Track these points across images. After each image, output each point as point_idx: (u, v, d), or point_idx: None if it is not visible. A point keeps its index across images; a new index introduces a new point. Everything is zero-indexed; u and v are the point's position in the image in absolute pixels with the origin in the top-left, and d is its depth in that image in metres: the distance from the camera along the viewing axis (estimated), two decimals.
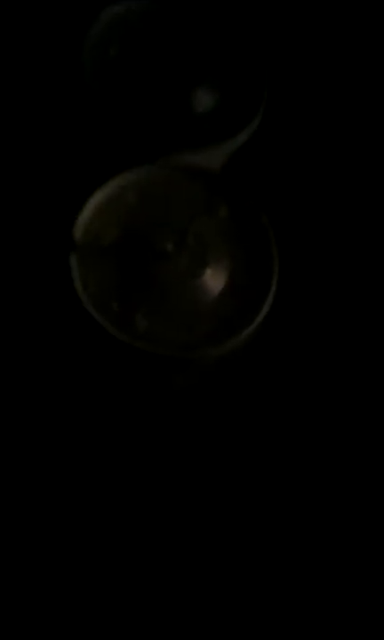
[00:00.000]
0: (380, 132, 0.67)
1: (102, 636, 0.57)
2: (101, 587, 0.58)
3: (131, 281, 0.57)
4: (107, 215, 0.58)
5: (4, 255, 0.62)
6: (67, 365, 0.60)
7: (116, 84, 0.61)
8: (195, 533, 0.59)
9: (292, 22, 0.68)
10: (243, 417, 0.61)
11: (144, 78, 0.61)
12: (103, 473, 0.59)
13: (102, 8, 0.63)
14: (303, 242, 0.64)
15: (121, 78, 0.61)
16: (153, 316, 0.57)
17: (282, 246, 0.59)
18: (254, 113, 0.61)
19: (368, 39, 0.69)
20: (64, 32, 0.64)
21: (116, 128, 0.60)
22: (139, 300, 0.57)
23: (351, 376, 0.62)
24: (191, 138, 0.60)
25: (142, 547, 0.58)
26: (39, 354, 0.60)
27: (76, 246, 0.57)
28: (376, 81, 0.68)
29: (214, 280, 0.58)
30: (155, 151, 0.59)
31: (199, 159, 0.60)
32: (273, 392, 0.62)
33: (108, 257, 0.57)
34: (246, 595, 0.58)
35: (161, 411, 0.61)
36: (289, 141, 0.66)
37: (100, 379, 0.60)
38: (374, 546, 0.60)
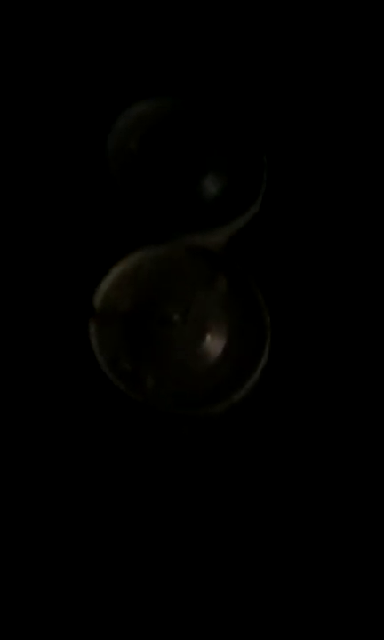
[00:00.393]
0: (369, 210, 0.68)
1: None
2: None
3: (141, 345, 0.60)
4: (122, 287, 0.61)
5: (30, 321, 0.63)
6: (82, 420, 0.61)
7: (134, 173, 0.64)
8: (196, 569, 0.60)
9: (288, 119, 0.70)
10: (241, 468, 0.62)
11: (158, 169, 0.64)
12: (109, 519, 0.61)
13: (126, 106, 0.66)
14: (293, 310, 0.65)
15: (138, 168, 0.64)
16: (160, 376, 0.60)
17: (274, 315, 0.61)
18: (253, 200, 0.65)
19: (362, 128, 0.70)
20: (91, 124, 0.67)
21: (133, 212, 0.63)
22: (148, 362, 0.60)
23: (343, 436, 0.63)
24: (198, 221, 0.64)
25: (141, 584, 0.60)
26: (57, 410, 0.62)
27: (94, 313, 0.60)
28: (366, 166, 0.69)
29: (214, 345, 0.61)
30: (166, 232, 0.63)
31: (204, 240, 0.63)
32: (268, 443, 0.63)
33: (123, 324, 0.61)
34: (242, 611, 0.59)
35: (166, 461, 0.62)
36: (283, 226, 0.67)
37: (112, 432, 0.62)
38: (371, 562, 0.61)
